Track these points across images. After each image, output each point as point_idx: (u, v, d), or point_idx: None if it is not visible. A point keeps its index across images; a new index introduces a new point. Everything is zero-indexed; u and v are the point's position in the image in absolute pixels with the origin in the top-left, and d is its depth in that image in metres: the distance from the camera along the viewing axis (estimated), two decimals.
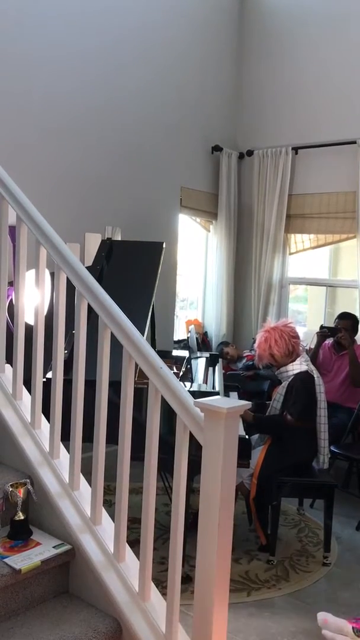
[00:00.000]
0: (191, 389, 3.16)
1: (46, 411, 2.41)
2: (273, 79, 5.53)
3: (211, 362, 4.06)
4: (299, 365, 3.43)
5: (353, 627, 2.50)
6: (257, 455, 3.33)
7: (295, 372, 3.40)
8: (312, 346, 4.60)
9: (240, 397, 3.90)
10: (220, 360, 4.22)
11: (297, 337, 3.48)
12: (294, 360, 3.44)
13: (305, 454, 3.42)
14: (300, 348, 3.51)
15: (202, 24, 5.30)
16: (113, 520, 2.15)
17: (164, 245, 3.69)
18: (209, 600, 1.82)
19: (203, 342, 5.53)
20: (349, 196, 5.05)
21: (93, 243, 4.11)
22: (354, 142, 4.91)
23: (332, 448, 3.86)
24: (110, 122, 4.51)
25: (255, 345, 3.57)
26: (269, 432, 3.47)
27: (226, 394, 3.70)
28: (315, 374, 3.46)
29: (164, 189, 5.06)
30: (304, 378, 3.39)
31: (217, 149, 5.53)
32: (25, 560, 2.04)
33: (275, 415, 3.42)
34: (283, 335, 3.43)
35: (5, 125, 3.76)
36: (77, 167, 4.27)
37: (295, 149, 5.33)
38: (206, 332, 5.79)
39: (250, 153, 5.61)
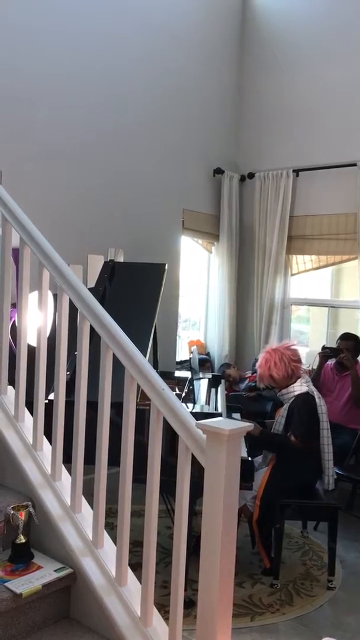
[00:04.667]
0: (193, 411, 3.15)
1: (48, 433, 2.41)
2: (274, 102, 5.61)
3: (214, 383, 4.06)
4: (299, 387, 3.43)
5: None
6: (260, 477, 3.31)
7: (296, 393, 3.40)
8: (315, 367, 4.59)
9: (243, 418, 3.88)
10: (222, 381, 4.21)
11: (298, 360, 3.47)
12: (294, 382, 3.44)
13: (308, 475, 3.40)
14: (301, 371, 3.51)
15: (204, 49, 5.39)
16: (115, 543, 2.13)
17: (166, 267, 3.71)
18: (212, 625, 1.80)
19: (205, 362, 5.52)
20: (350, 218, 5.08)
21: (96, 265, 4.13)
22: (354, 165, 4.96)
23: (336, 469, 3.83)
24: (113, 145, 4.57)
25: (257, 365, 3.58)
26: (273, 449, 3.45)
27: (228, 415, 3.69)
28: (316, 394, 3.45)
29: (166, 211, 5.11)
30: (305, 399, 3.39)
31: (218, 171, 5.58)
32: (26, 584, 2.02)
33: (282, 435, 3.41)
34: (283, 358, 3.43)
35: (9, 148, 3.80)
36: (80, 190, 4.32)
37: (296, 172, 5.37)
38: (208, 352, 5.79)
39: (251, 175, 5.67)
